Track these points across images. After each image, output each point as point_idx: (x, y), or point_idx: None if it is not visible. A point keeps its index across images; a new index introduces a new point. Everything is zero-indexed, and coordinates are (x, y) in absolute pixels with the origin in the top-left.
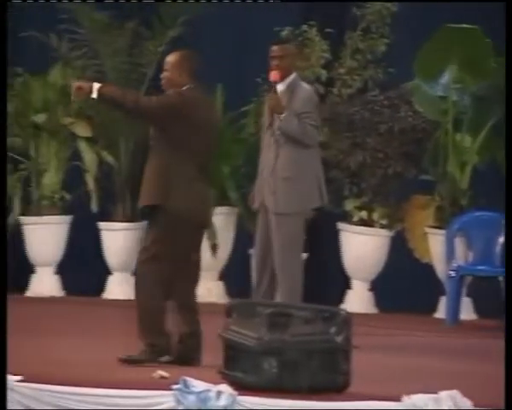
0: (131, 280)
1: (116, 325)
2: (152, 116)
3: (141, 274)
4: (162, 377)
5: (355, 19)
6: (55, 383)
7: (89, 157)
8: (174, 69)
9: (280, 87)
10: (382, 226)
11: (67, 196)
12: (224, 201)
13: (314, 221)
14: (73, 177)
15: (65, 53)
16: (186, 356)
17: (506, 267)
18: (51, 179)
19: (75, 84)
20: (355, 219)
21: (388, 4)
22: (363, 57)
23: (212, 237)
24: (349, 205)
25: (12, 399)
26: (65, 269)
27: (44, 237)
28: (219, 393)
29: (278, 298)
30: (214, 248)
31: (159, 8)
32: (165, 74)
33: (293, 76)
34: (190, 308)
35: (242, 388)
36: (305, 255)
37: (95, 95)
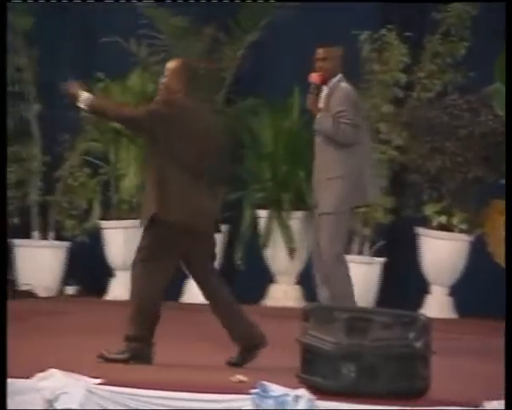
0: None
1: (192, 329)
2: (140, 126)
3: (133, 274)
4: (240, 381)
5: (434, 22)
6: (134, 386)
7: None
8: (172, 76)
9: (325, 90)
10: (462, 231)
11: None
12: (300, 205)
13: (393, 226)
14: None
15: (144, 58)
16: (249, 351)
17: (506, 267)
18: (130, 183)
19: (71, 84)
20: (434, 223)
21: (468, 7)
22: (443, 61)
23: (289, 240)
24: (428, 210)
25: (91, 400)
26: None
27: (123, 241)
28: (297, 397)
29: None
30: (291, 252)
31: (237, 13)
32: (163, 80)
33: (337, 78)
34: (225, 311)
35: (320, 392)
36: (383, 260)
37: (82, 105)
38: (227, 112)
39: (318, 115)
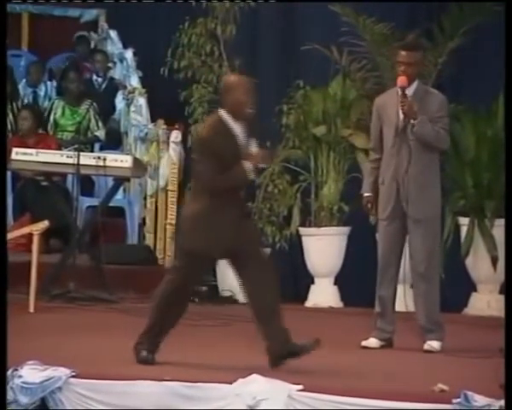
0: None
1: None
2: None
3: None
4: (442, 391)
5: None
6: (336, 394)
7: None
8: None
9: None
10: None
11: (346, 208)
12: (503, 212)
13: None
14: (352, 188)
15: (345, 65)
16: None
17: (506, 267)
18: (330, 191)
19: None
20: None
21: None
22: None
23: (492, 249)
24: None
25: (292, 407)
26: (343, 280)
27: (323, 249)
28: (502, 408)
29: None
30: (494, 260)
31: (440, 19)
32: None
33: (416, 82)
34: None
35: None
36: None
37: None
38: None
39: (418, 119)
